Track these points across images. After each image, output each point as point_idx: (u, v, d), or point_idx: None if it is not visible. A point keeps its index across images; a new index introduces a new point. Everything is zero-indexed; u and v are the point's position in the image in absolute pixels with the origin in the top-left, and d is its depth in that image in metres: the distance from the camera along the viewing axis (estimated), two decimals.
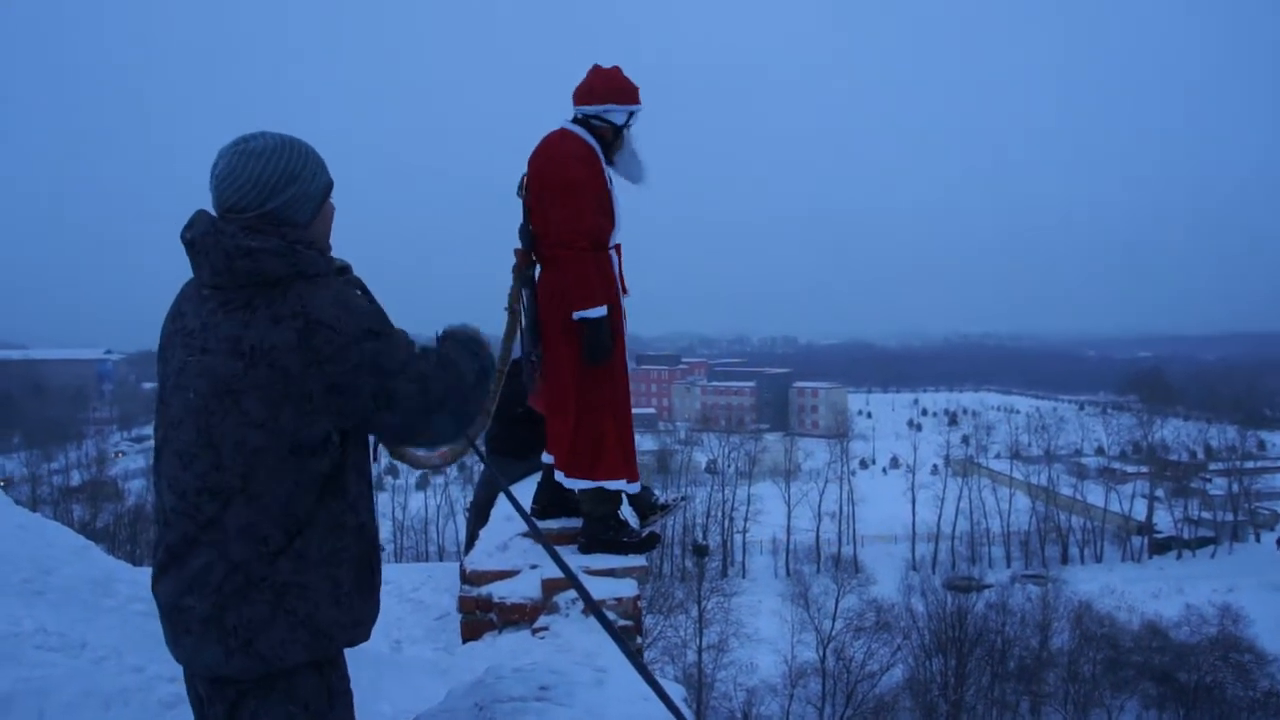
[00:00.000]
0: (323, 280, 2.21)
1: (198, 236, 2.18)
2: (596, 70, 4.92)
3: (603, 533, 4.77)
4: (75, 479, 66.73)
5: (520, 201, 4.91)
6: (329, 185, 2.34)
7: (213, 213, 2.23)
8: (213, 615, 2.12)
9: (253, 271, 2.13)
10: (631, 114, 4.92)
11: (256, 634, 2.12)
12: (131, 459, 77.37)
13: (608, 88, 4.86)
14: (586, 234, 4.67)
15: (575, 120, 4.88)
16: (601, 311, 4.66)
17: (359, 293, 2.34)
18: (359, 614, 2.31)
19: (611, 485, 4.81)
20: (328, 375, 2.11)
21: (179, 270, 2.32)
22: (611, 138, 4.88)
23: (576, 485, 4.81)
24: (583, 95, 4.88)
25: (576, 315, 4.66)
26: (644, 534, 4.90)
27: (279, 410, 2.10)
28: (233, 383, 2.10)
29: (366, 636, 2.36)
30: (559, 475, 4.88)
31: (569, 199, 4.66)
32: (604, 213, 4.80)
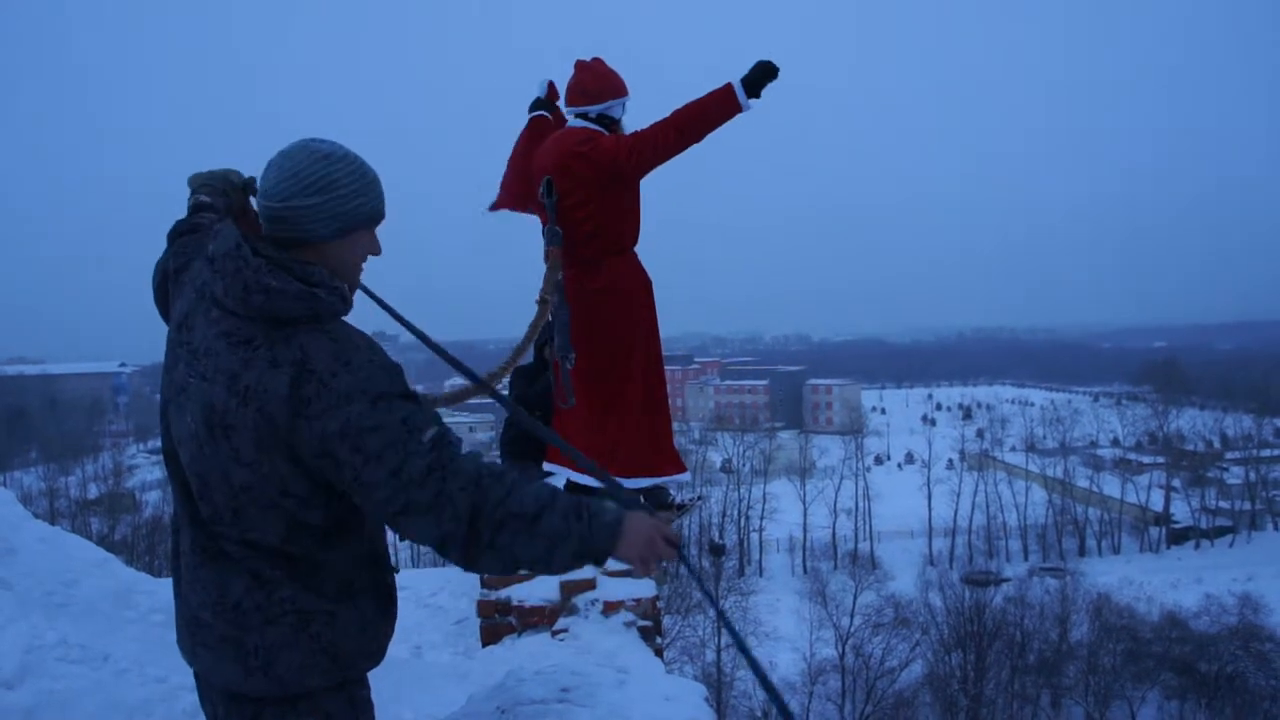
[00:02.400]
0: (336, 327, 2.10)
1: (219, 255, 2.09)
2: (583, 66, 4.88)
3: None
4: (92, 492, 66.87)
5: (538, 202, 4.81)
6: (369, 216, 2.19)
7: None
8: (232, 635, 2.11)
9: (266, 309, 2.04)
10: (625, 105, 4.92)
11: (276, 657, 2.10)
12: (148, 470, 77.48)
13: (602, 85, 4.83)
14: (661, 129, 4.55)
15: (587, 119, 4.82)
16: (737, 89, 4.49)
17: (370, 344, 2.13)
18: (381, 640, 2.29)
19: (676, 479, 4.85)
20: (315, 433, 1.99)
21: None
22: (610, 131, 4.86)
23: (637, 484, 4.76)
24: (580, 95, 4.83)
25: (746, 104, 4.48)
26: None
27: (268, 455, 2.02)
28: (226, 417, 2.03)
29: (382, 659, 2.34)
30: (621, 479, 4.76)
31: (638, 136, 4.59)
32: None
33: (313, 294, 2.06)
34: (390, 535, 2.33)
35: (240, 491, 2.05)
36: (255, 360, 2.03)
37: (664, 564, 2.27)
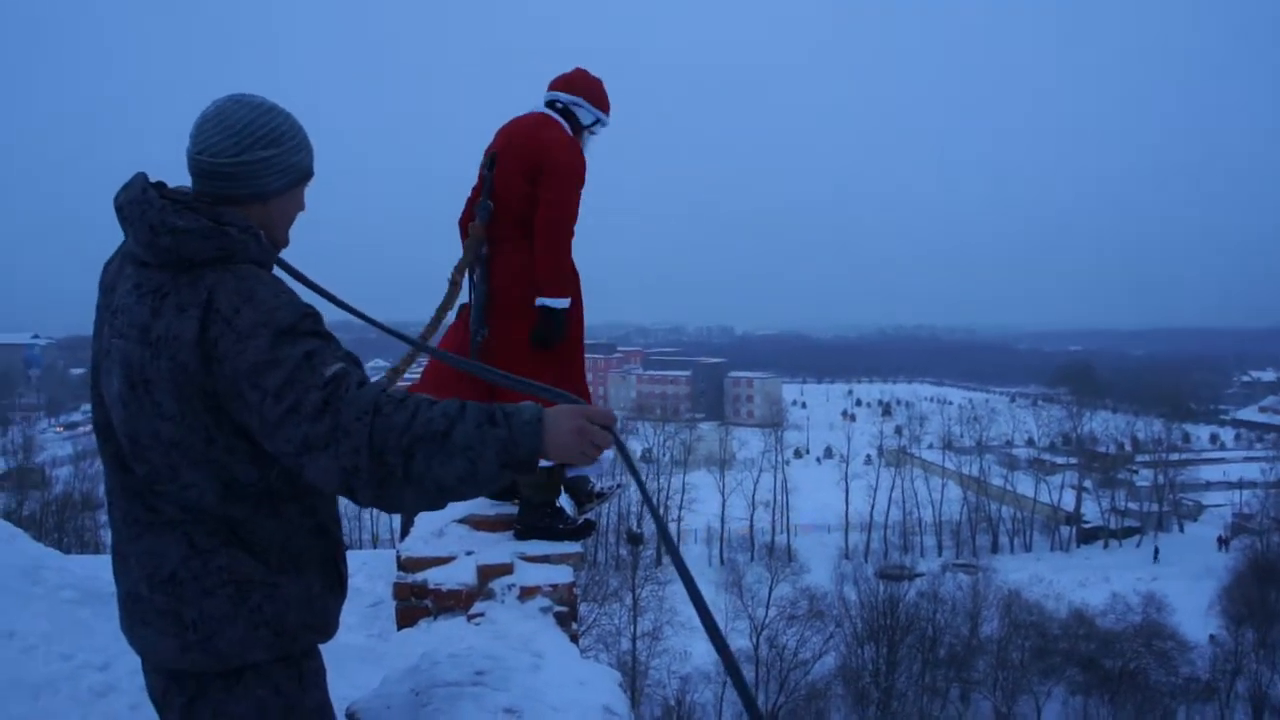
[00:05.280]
0: (243, 269, 2.02)
1: (125, 203, 2.04)
2: (581, 71, 4.95)
3: (539, 519, 4.78)
4: (0, 466, 65.45)
5: (480, 175, 4.84)
6: (308, 171, 2.22)
7: (175, 167, 2.12)
8: (169, 608, 2.04)
9: (174, 251, 1.98)
10: (597, 120, 4.96)
11: (216, 631, 2.03)
12: (59, 445, 75.97)
13: (585, 85, 4.90)
14: (573, 222, 4.66)
15: (552, 106, 4.87)
16: (565, 303, 4.66)
17: (279, 284, 2.07)
18: (329, 615, 2.24)
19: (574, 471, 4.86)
20: (225, 374, 1.93)
21: (110, 252, 2.22)
22: (573, 133, 4.88)
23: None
24: (560, 84, 4.90)
25: (542, 302, 4.61)
26: (579, 521, 4.92)
27: (189, 405, 1.97)
28: (144, 372, 1.97)
29: (332, 634, 2.28)
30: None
31: (569, 184, 4.64)
32: None
33: (223, 231, 2.01)
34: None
35: (171, 448, 1.99)
36: (164, 309, 1.98)
37: (603, 451, 2.09)
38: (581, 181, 4.70)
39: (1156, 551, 68.97)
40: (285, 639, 2.11)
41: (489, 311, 4.77)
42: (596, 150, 4.99)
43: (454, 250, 4.83)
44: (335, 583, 2.27)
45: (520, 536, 4.80)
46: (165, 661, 2.10)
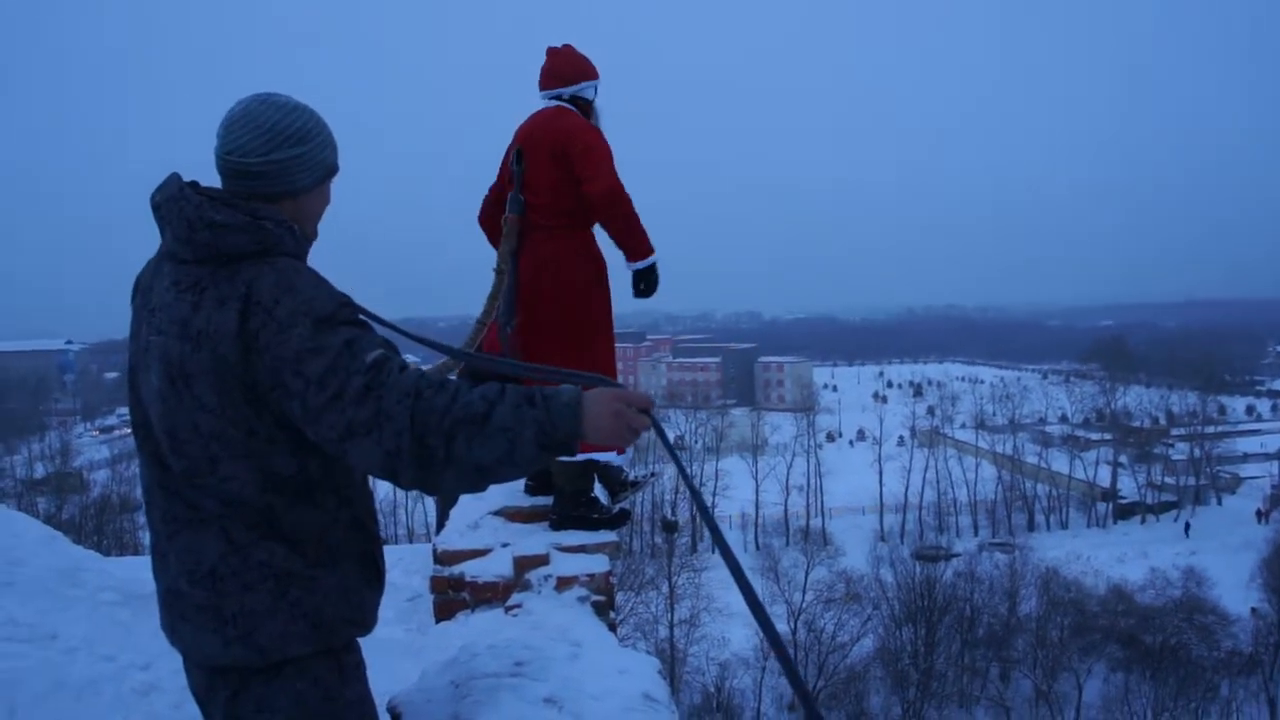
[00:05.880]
0: (280, 261, 2.06)
1: (163, 201, 2.08)
2: (555, 52, 4.97)
3: (574, 509, 4.78)
4: (39, 471, 65.95)
5: (506, 171, 4.91)
6: (335, 167, 2.26)
7: (204, 166, 2.15)
8: (210, 603, 2.05)
9: (212, 245, 2.02)
10: (596, 88, 5.01)
11: (256, 625, 2.05)
12: (95, 449, 76.57)
13: (575, 68, 4.93)
14: (622, 189, 4.68)
15: (560, 100, 4.91)
16: (650, 261, 4.80)
17: (315, 275, 2.10)
18: (367, 609, 2.26)
19: (602, 458, 4.86)
20: (266, 365, 1.96)
21: (141, 258, 2.25)
22: (586, 115, 4.94)
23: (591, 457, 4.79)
24: (552, 79, 4.92)
25: (639, 265, 4.78)
26: (615, 510, 4.92)
27: (228, 396, 1.99)
28: (184, 366, 2.00)
29: (370, 627, 2.29)
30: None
31: (601, 159, 4.67)
32: None
33: (259, 225, 2.05)
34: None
35: (212, 440, 2.02)
36: (203, 302, 2.01)
37: (641, 434, 2.10)
38: (610, 156, 4.73)
39: (1188, 527, 68.43)
40: (323, 632, 2.12)
41: (517, 302, 4.80)
42: (623, 138, 5.03)
43: (462, 248, 4.90)
44: (373, 576, 2.28)
45: (555, 527, 4.81)
46: (208, 658, 2.11)
